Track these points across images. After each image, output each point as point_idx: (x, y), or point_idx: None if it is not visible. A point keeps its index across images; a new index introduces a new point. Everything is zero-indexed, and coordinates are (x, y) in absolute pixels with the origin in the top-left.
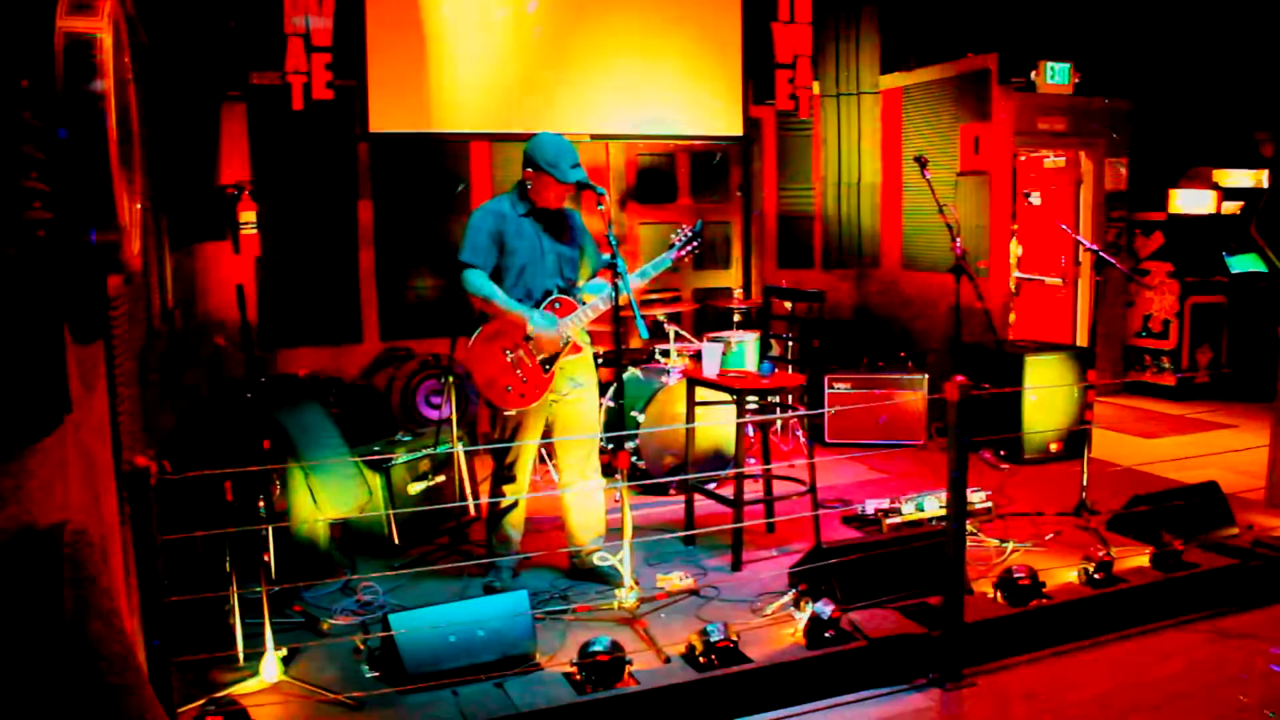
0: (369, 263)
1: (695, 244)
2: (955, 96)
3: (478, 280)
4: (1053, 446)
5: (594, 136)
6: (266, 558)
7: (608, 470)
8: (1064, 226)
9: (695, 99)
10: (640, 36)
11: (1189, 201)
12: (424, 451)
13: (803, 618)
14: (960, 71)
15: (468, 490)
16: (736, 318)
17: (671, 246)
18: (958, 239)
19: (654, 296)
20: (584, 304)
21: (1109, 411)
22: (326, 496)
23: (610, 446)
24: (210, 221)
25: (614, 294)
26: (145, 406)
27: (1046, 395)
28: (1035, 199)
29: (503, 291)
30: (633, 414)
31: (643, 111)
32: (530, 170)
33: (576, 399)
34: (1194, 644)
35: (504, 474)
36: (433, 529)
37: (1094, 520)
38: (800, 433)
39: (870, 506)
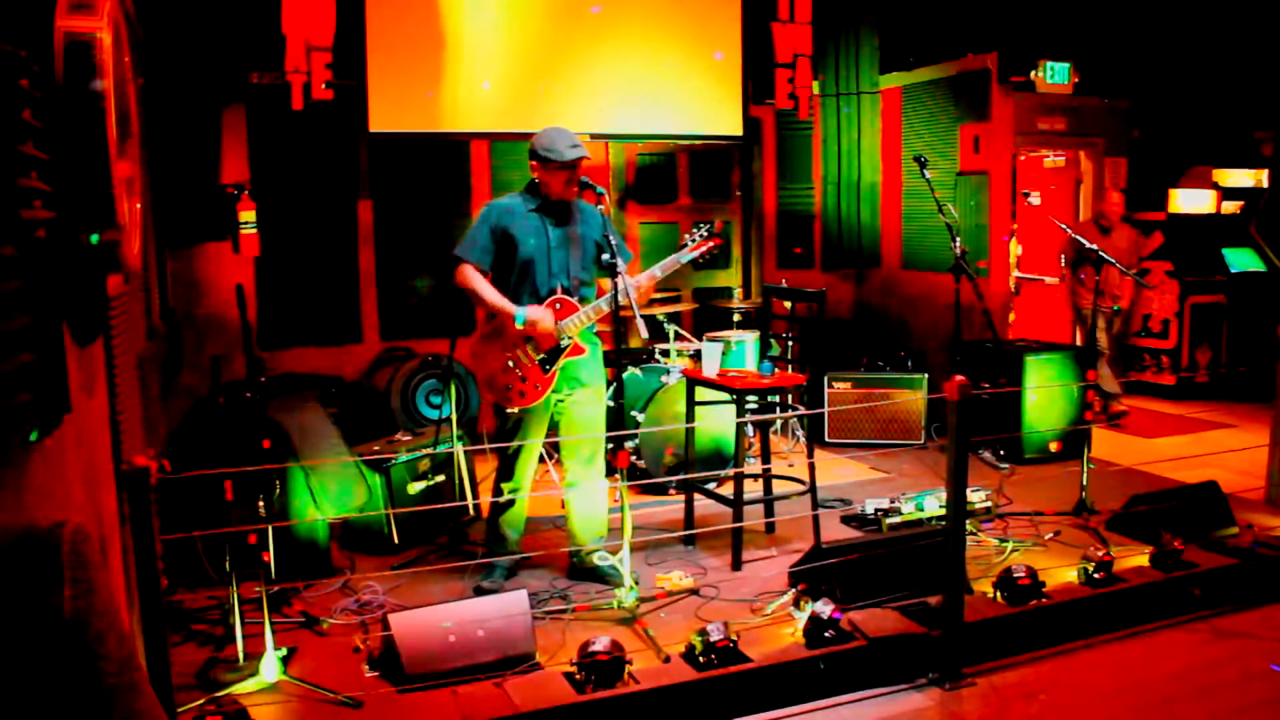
0: (369, 263)
1: (712, 244)
2: (955, 96)
3: (466, 273)
4: (1053, 446)
5: (594, 136)
6: (266, 558)
7: (607, 470)
8: (1063, 226)
9: (695, 99)
10: (640, 36)
11: (1189, 201)
12: (424, 452)
13: (803, 618)
14: (960, 71)
15: (468, 490)
16: (736, 318)
17: (682, 246)
18: (958, 239)
19: (654, 296)
20: (586, 305)
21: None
22: (327, 496)
23: (610, 446)
24: (210, 221)
25: (614, 294)
26: (145, 406)
27: (1046, 395)
28: (1035, 199)
29: (487, 284)
30: (633, 414)
31: (643, 111)
32: (534, 162)
33: (582, 400)
34: (1193, 644)
35: (503, 472)
36: (433, 529)
37: (1094, 520)
38: (800, 432)
39: (870, 506)
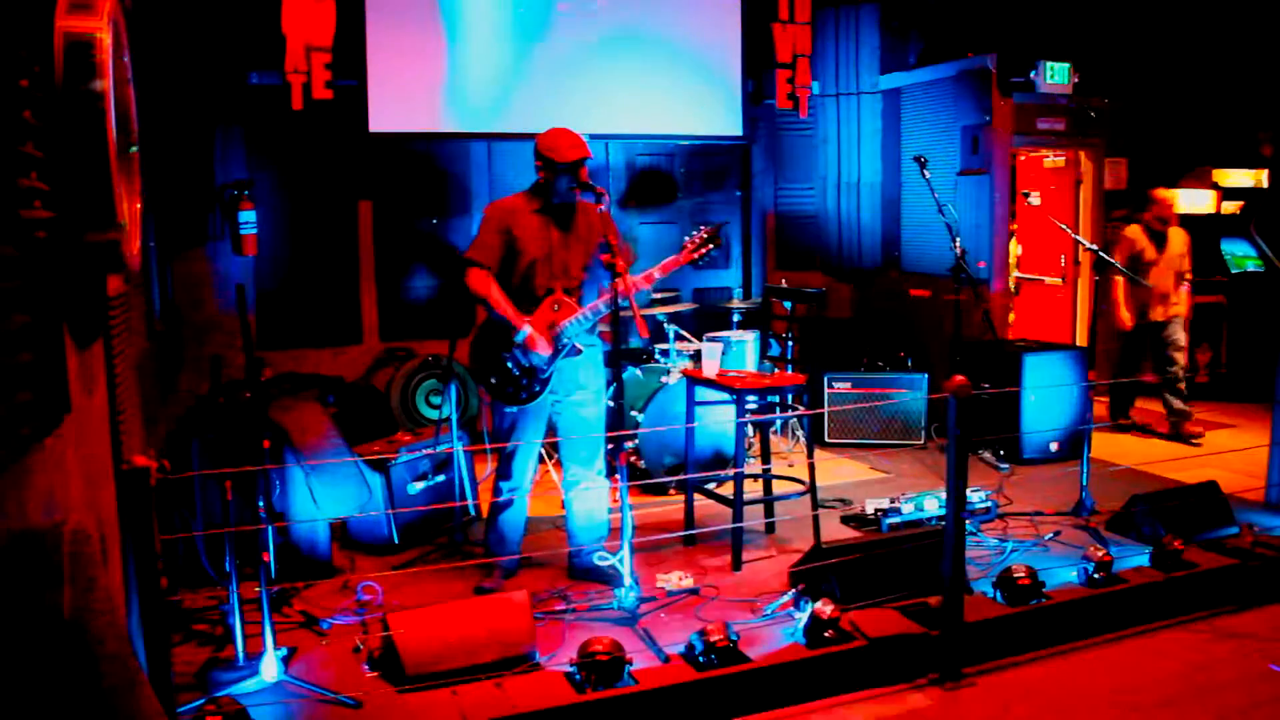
0: (369, 263)
1: (711, 246)
2: (955, 96)
3: (477, 278)
4: (1053, 446)
5: (594, 136)
6: (266, 558)
7: (607, 470)
8: (1063, 226)
9: (695, 99)
10: (640, 36)
11: (1189, 201)
12: (424, 452)
13: (803, 617)
14: (960, 71)
15: (468, 490)
16: (737, 318)
17: (683, 248)
18: (957, 239)
19: (654, 296)
20: (586, 306)
21: (1109, 412)
22: (326, 496)
23: (610, 446)
24: (211, 221)
25: (615, 295)
26: (145, 406)
27: (1046, 395)
28: (1035, 199)
29: (501, 292)
30: (632, 414)
31: (643, 111)
32: (539, 162)
33: (579, 401)
34: (1194, 644)
35: (501, 472)
36: (433, 529)
37: (1094, 520)
38: (800, 432)
39: (870, 506)
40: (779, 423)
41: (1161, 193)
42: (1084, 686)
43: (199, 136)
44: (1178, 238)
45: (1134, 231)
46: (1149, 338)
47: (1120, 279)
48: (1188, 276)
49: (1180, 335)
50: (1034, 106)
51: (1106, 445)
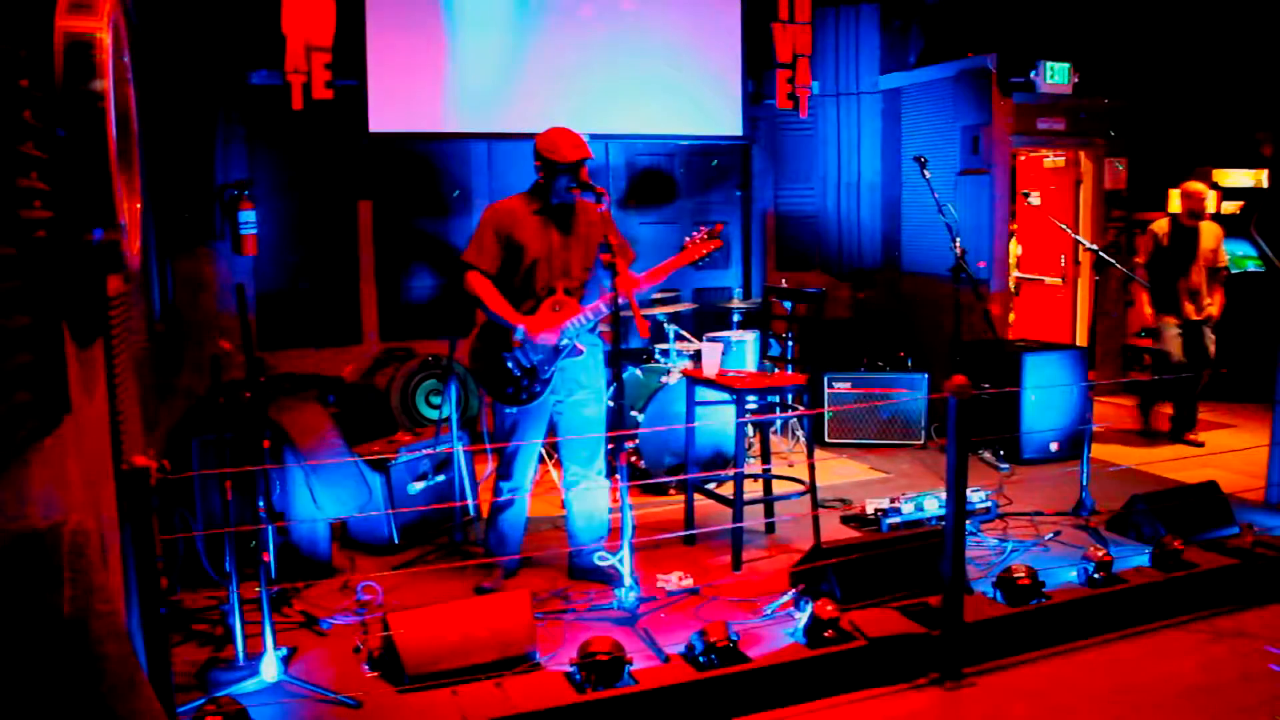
0: (369, 263)
1: (712, 246)
2: (955, 96)
3: (475, 283)
4: (1053, 446)
5: (594, 136)
6: (266, 558)
7: (607, 470)
8: (1063, 226)
9: (695, 99)
10: (640, 36)
11: None
12: (424, 452)
13: (803, 617)
14: (960, 71)
15: (467, 490)
16: (737, 318)
17: (684, 247)
18: (957, 239)
19: (654, 296)
20: (587, 307)
21: (1109, 411)
22: (326, 496)
23: (610, 446)
24: (211, 221)
25: (615, 295)
26: (145, 406)
27: (1046, 395)
28: (1035, 199)
29: (499, 296)
30: (633, 414)
31: (643, 111)
32: (538, 163)
33: (580, 401)
34: (1193, 644)
35: (501, 472)
36: (433, 529)
37: (1094, 520)
38: (800, 432)
39: (870, 506)
40: (779, 423)
41: (1192, 185)
42: (1084, 686)
43: (199, 136)
44: (1209, 232)
45: (1161, 226)
46: (1182, 337)
47: (1142, 274)
48: (1223, 274)
49: (1208, 339)
50: (1034, 106)
51: (1107, 445)
